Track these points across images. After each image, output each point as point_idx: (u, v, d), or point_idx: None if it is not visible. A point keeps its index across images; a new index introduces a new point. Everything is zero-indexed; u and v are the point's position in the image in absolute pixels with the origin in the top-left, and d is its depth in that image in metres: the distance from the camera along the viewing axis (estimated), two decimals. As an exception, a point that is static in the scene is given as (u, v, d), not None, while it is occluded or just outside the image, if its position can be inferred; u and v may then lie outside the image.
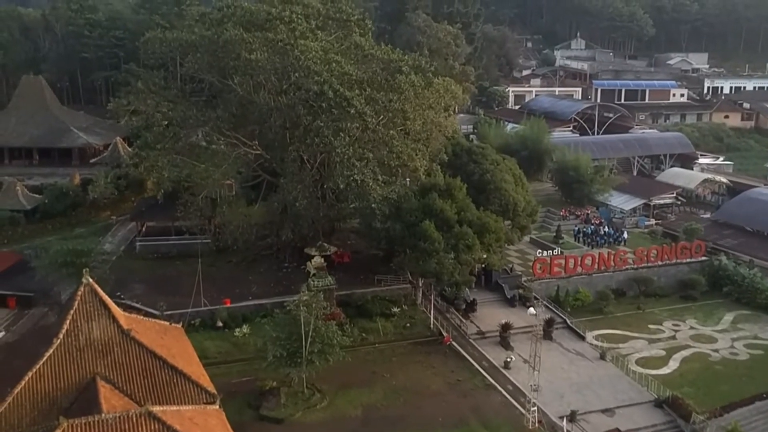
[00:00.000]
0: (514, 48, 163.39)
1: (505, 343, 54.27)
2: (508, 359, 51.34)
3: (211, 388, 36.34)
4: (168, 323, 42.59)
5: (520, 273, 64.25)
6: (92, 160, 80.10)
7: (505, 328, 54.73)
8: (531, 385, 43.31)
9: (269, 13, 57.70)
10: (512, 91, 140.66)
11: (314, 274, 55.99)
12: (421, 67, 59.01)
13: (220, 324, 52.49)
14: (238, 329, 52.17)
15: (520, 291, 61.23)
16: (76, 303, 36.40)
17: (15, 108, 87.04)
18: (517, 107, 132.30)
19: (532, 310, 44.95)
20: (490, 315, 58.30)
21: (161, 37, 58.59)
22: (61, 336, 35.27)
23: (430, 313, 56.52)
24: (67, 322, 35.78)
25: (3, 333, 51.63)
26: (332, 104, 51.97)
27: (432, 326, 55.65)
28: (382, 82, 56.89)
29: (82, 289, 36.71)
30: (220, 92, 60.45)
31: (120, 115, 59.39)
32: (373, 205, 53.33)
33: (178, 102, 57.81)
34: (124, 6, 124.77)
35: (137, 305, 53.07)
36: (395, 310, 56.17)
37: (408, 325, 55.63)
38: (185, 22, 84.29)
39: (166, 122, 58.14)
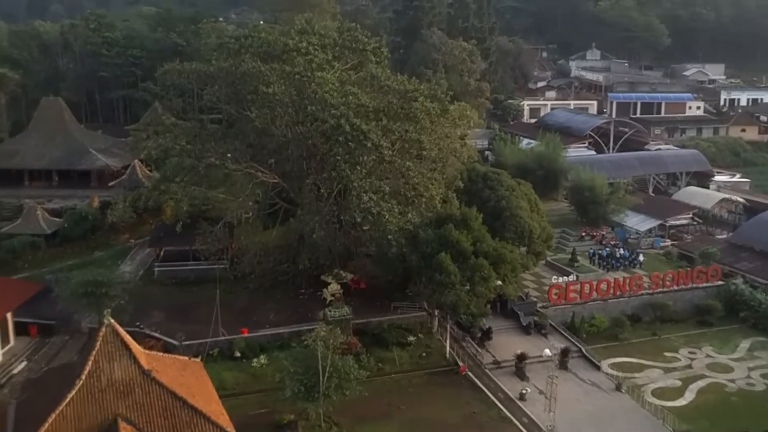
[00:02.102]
0: (529, 60, 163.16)
1: (520, 373, 54.30)
2: (524, 391, 51.27)
3: (231, 429, 36.83)
4: (187, 358, 43.06)
5: (535, 299, 64.16)
6: (111, 183, 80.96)
7: (521, 358, 54.67)
8: (547, 426, 43.36)
9: (286, 44, 58.31)
10: (527, 105, 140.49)
11: (330, 302, 56.61)
12: (437, 96, 59.30)
13: (237, 354, 52.96)
14: (255, 359, 52.55)
15: (536, 318, 61.24)
16: (98, 343, 37.08)
17: (35, 130, 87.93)
18: (532, 121, 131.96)
19: (547, 351, 45.03)
20: (506, 343, 58.28)
21: (179, 68, 59.37)
22: (83, 377, 35.96)
23: (446, 342, 56.68)
24: (89, 363, 36.47)
25: (25, 362, 52.42)
26: (349, 137, 52.43)
27: (448, 355, 55.86)
28: (398, 110, 57.30)
29: (103, 329, 37.41)
30: (237, 122, 61.08)
31: (139, 149, 60.14)
32: (389, 237, 53.60)
33: (196, 134, 58.47)
34: (141, 24, 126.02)
35: (156, 335, 53.90)
36: (411, 339, 56.35)
37: (424, 354, 55.76)
38: (201, 41, 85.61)
39: (182, 149, 58.74)
